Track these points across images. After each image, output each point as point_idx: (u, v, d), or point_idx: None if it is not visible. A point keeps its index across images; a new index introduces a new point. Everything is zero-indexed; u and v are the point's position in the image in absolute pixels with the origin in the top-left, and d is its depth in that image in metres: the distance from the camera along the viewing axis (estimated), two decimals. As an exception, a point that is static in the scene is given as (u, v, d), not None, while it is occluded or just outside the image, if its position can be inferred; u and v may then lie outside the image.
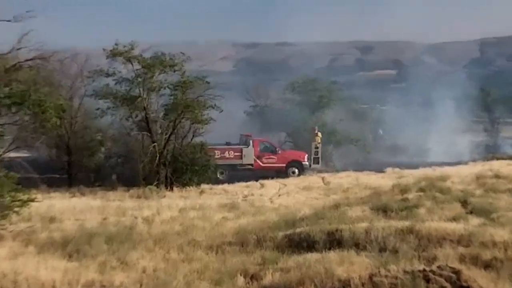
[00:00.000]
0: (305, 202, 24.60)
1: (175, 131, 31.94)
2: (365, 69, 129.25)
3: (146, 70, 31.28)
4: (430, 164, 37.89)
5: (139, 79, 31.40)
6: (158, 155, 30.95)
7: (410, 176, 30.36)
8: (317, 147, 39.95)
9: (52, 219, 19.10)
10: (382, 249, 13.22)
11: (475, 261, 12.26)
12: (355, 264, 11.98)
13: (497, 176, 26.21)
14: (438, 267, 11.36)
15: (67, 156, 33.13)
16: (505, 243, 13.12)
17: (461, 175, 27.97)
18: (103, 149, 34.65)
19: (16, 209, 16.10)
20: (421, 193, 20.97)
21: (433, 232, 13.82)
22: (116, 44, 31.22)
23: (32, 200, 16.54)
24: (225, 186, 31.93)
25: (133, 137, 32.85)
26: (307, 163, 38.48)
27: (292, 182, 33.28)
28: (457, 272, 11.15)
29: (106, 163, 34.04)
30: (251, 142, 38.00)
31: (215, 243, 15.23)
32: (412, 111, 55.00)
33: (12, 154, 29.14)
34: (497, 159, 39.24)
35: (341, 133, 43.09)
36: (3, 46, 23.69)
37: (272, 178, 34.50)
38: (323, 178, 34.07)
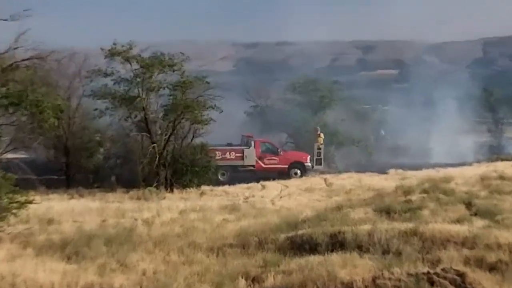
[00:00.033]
0: (307, 203, 24.59)
1: (175, 131, 31.94)
2: (366, 69, 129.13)
3: (145, 70, 31.28)
4: (434, 165, 37.89)
5: (138, 79, 31.40)
6: (157, 156, 30.95)
7: (414, 177, 30.34)
8: (319, 148, 39.88)
9: (50, 221, 19.11)
10: (385, 252, 13.22)
11: (480, 263, 12.25)
12: (358, 267, 11.98)
13: (501, 177, 26.18)
14: (443, 269, 11.37)
15: (65, 157, 33.12)
16: (510, 245, 13.11)
17: (465, 177, 27.93)
18: (101, 150, 34.64)
19: (14, 211, 16.08)
20: (425, 195, 20.93)
21: (437, 234, 13.81)
22: (114, 44, 31.25)
23: (30, 202, 16.52)
24: (226, 187, 31.93)
25: (132, 137, 32.85)
26: (309, 164, 38.46)
27: (294, 183, 33.27)
28: (461, 275, 11.16)
29: (105, 164, 34.04)
30: (252, 143, 37.97)
31: (215, 245, 15.23)
32: (415, 112, 54.95)
33: (10, 155, 29.18)
34: (502, 160, 39.19)
35: (343, 134, 43.08)
36: (0, 45, 23.69)
37: (274, 179, 34.48)
38: (325, 180, 34.07)
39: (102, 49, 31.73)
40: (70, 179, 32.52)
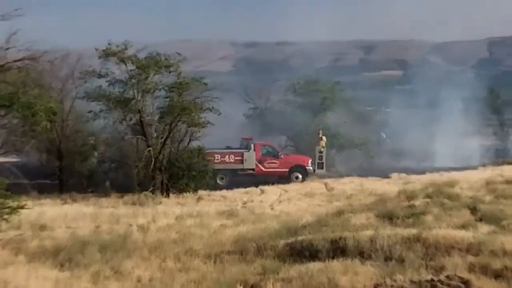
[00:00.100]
0: (307, 209, 24.62)
1: (171, 134, 31.97)
2: (369, 70, 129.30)
3: (141, 71, 31.34)
4: (438, 169, 37.94)
5: (133, 81, 31.44)
6: (153, 160, 30.96)
7: (417, 181, 30.39)
8: (321, 152, 39.78)
9: (42, 227, 19.15)
10: (387, 258, 13.23)
11: (485, 270, 12.25)
12: (360, 274, 11.99)
13: (507, 182, 26.13)
14: (447, 276, 11.38)
15: (58, 161, 33.15)
16: (516, 251, 13.13)
17: (470, 181, 27.92)
18: (95, 153, 34.67)
19: (5, 216, 16.06)
20: (428, 200, 20.92)
21: (441, 240, 13.81)
22: (109, 44, 31.27)
23: (22, 207, 16.50)
24: (224, 192, 31.96)
25: (127, 141, 32.87)
26: (311, 168, 38.41)
27: (294, 188, 33.30)
28: (466, 282, 11.17)
29: (99, 168, 34.07)
30: (252, 146, 37.95)
31: (213, 251, 15.24)
32: (418, 113, 54.96)
33: (1, 159, 29.24)
34: (508, 163, 39.19)
35: (345, 137, 43.04)
36: (-10, 46, 23.67)
37: (273, 183, 34.49)
38: (325, 184, 34.09)
39: (96, 49, 31.76)
40: (63, 184, 32.55)
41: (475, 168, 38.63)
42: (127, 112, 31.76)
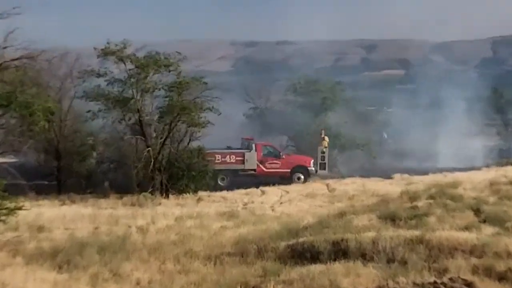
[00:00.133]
0: (308, 210, 24.61)
1: (171, 134, 31.93)
2: (370, 69, 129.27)
3: (140, 70, 31.29)
4: (441, 170, 37.91)
5: (132, 80, 31.40)
6: (152, 160, 30.93)
7: (420, 182, 30.38)
8: (323, 152, 39.69)
9: (40, 228, 19.13)
10: (390, 260, 13.23)
11: (489, 272, 12.25)
12: (362, 276, 11.99)
13: (511, 183, 26.19)
14: (450, 279, 11.37)
15: (56, 162, 33.10)
16: (520, 253, 13.12)
17: (473, 182, 27.93)
18: (94, 154, 34.63)
19: (2, 217, 16.08)
20: (431, 201, 20.92)
21: (444, 242, 13.81)
22: (108, 43, 31.24)
23: (20, 208, 16.51)
24: (224, 193, 31.92)
25: (126, 141, 32.83)
26: (313, 168, 38.33)
27: (295, 189, 33.27)
28: (469, 284, 11.17)
29: (97, 168, 34.03)
30: (253, 146, 37.89)
31: (213, 253, 15.24)
32: (421, 113, 54.94)
33: (-2, 159, 29.18)
34: (512, 164, 39.20)
35: (346, 137, 43.01)
36: (-12, 45, 23.69)
37: (274, 184, 34.46)
38: (327, 185, 34.07)
39: (95, 48, 31.74)
40: (61, 184, 32.51)
41: (478, 168, 38.62)
42: (126, 111, 31.73)
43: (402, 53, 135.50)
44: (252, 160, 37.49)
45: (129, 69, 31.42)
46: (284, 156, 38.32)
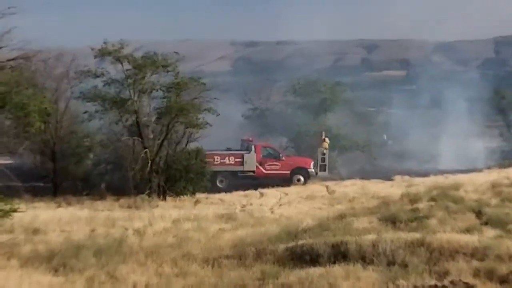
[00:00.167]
0: (307, 212, 24.60)
1: (168, 136, 31.91)
2: (371, 69, 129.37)
3: (137, 71, 31.26)
4: (442, 172, 37.96)
5: (130, 81, 31.38)
6: (150, 162, 30.92)
7: (421, 184, 30.43)
8: (324, 154, 39.67)
9: (36, 231, 19.10)
10: (390, 263, 13.21)
11: (491, 275, 12.24)
12: (362, 279, 11.98)
13: (513, 185, 26.23)
14: (451, 282, 11.37)
15: (52, 163, 33.04)
16: (522, 256, 13.11)
17: (475, 183, 27.97)
18: (91, 155, 34.61)
19: (-3, 220, 16.08)
20: (433, 203, 20.93)
21: (445, 245, 13.80)
22: (104, 43, 31.22)
23: (15, 210, 16.51)
24: (222, 195, 31.95)
25: (123, 142, 32.79)
26: (313, 170, 38.31)
27: (294, 191, 33.30)
28: (471, 287, 11.15)
29: (94, 170, 34.01)
30: (253, 147, 37.87)
31: (211, 256, 15.21)
32: (422, 114, 55.01)
33: (-6, 161, 29.15)
34: (514, 166, 39.22)
35: (346, 138, 43.02)
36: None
37: (273, 186, 34.46)
38: (327, 187, 34.10)
39: (92, 48, 31.72)
40: (57, 186, 32.47)
41: (480, 170, 38.71)
42: (123, 112, 31.72)
43: (402, 53, 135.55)
44: (251, 162, 37.48)
45: (127, 70, 31.38)
46: (284, 158, 38.30)
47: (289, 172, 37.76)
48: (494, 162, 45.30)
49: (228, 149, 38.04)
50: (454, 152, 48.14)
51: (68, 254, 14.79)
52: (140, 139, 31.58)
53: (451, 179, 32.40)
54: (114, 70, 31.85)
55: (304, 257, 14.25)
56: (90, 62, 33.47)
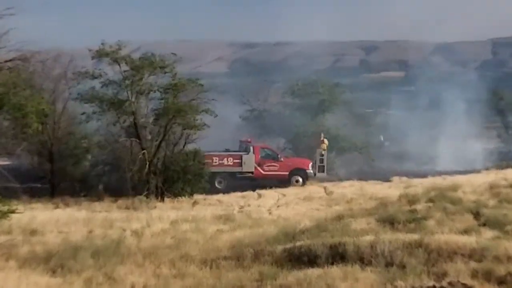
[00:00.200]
0: (305, 213, 24.62)
1: (166, 137, 31.90)
2: (369, 71, 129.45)
3: (135, 72, 31.25)
4: (440, 173, 38.00)
5: (127, 82, 31.37)
6: (148, 163, 30.91)
7: (419, 185, 30.46)
8: (322, 155, 39.65)
9: (34, 232, 19.10)
10: (388, 264, 13.24)
11: (489, 276, 12.26)
12: (360, 280, 12.00)
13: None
14: (449, 283, 11.39)
15: (50, 164, 33.02)
16: (520, 257, 13.14)
17: (473, 185, 27.99)
18: (88, 156, 34.59)
19: (-5, 221, 16.08)
20: (431, 204, 20.97)
21: (443, 246, 13.82)
22: (102, 44, 31.21)
23: (13, 212, 16.51)
24: (220, 196, 31.97)
25: (121, 143, 32.78)
26: (311, 171, 38.29)
27: (292, 192, 33.32)
28: (469, 289, 11.17)
29: (92, 171, 33.98)
30: (251, 148, 37.87)
31: (209, 257, 15.22)
32: (420, 116, 55.00)
33: (-9, 162, 29.13)
34: (512, 167, 39.24)
35: (345, 139, 43.03)
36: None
37: (271, 187, 34.46)
38: (325, 188, 34.11)
39: (89, 50, 31.72)
40: (55, 187, 32.45)
41: (478, 171, 38.74)
42: (121, 114, 31.69)
43: (401, 54, 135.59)
44: (250, 163, 37.47)
45: (124, 71, 31.37)
46: (282, 159, 38.27)
47: (287, 173, 37.74)
48: (492, 163, 45.35)
49: (227, 150, 38.03)
50: (452, 153, 48.19)
51: (66, 255, 14.81)
52: (138, 140, 31.57)
53: (449, 180, 32.42)
54: (111, 71, 31.85)
55: (302, 258, 14.26)
56: (88, 63, 33.48)
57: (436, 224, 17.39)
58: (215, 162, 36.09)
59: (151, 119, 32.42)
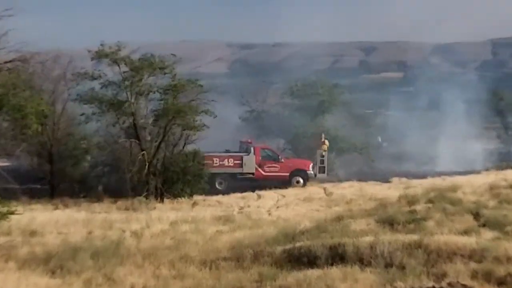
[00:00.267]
0: (305, 214, 24.62)
1: (166, 138, 31.90)
2: (369, 71, 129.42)
3: (134, 73, 31.24)
4: (440, 173, 37.98)
5: (127, 83, 31.36)
6: (147, 164, 30.90)
7: (418, 186, 30.46)
8: (323, 156, 39.61)
9: (33, 233, 19.10)
10: (388, 265, 13.25)
11: (488, 277, 12.28)
12: (359, 281, 12.01)
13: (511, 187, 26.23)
14: (449, 284, 11.39)
15: (49, 165, 33.01)
16: (520, 258, 13.14)
17: (473, 185, 27.99)
18: (88, 157, 34.58)
19: (-5, 222, 16.08)
20: (430, 205, 20.97)
21: (443, 247, 13.83)
22: (101, 45, 31.22)
23: (12, 213, 16.51)
24: (220, 197, 31.96)
25: (121, 144, 32.77)
26: (312, 172, 38.26)
27: (291, 192, 33.32)
28: (468, 289, 11.17)
29: (91, 172, 33.94)
30: (252, 149, 37.84)
31: (209, 258, 15.23)
32: (420, 116, 55.00)
33: (-10, 163, 29.12)
34: (512, 168, 39.25)
35: (344, 140, 43.02)
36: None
37: (270, 188, 34.45)
38: (324, 189, 34.09)
39: (89, 50, 31.72)
40: (54, 188, 32.43)
41: (478, 172, 38.70)
42: (120, 115, 31.68)
43: (400, 55, 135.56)
44: (250, 164, 37.43)
45: (124, 72, 31.36)
46: (283, 160, 38.22)
47: (288, 174, 37.69)
48: (492, 164, 45.33)
49: (227, 151, 38.01)
50: (452, 154, 48.17)
51: (65, 256, 14.81)
52: (137, 141, 31.57)
53: (448, 181, 32.40)
54: (111, 72, 31.85)
55: (302, 259, 14.27)
56: (87, 64, 33.48)
57: (436, 225, 17.39)
58: (216, 163, 36.05)
59: (150, 120, 32.41)
